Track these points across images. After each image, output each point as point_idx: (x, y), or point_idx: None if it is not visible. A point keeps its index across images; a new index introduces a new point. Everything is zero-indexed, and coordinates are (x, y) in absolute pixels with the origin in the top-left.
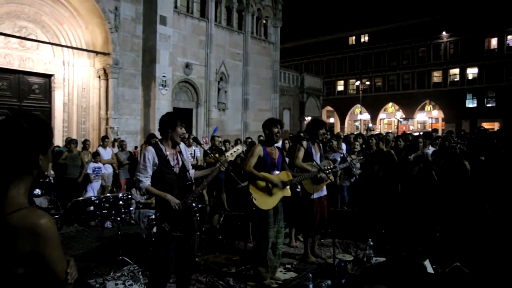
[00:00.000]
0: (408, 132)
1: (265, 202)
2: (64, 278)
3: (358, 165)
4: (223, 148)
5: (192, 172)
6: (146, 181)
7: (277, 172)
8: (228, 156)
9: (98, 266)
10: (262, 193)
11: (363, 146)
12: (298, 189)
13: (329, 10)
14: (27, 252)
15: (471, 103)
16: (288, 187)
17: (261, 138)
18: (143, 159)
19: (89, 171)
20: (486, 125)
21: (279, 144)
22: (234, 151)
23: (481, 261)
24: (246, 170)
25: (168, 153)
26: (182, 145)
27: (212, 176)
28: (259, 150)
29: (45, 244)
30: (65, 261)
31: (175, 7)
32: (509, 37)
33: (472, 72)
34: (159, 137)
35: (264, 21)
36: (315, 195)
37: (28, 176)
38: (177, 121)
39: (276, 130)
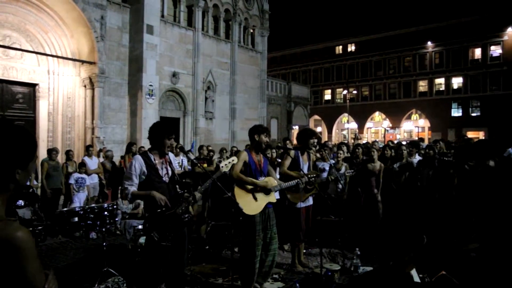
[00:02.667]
0: (396, 140)
1: (250, 208)
2: None
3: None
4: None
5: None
6: (131, 188)
7: (262, 178)
8: (222, 167)
9: (83, 278)
10: (247, 199)
11: (349, 154)
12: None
13: (316, 20)
14: (2, 265)
15: (456, 112)
16: (273, 193)
17: (249, 147)
18: (130, 167)
19: (71, 181)
20: (471, 134)
21: None
22: (229, 162)
23: (468, 270)
24: (233, 175)
25: (156, 162)
26: (171, 155)
27: (205, 187)
28: (244, 155)
29: (22, 257)
30: (43, 274)
31: (162, 16)
32: (492, 47)
33: (457, 81)
34: (141, 145)
35: (252, 30)
36: (302, 204)
37: (3, 191)
38: (165, 133)
39: (265, 139)
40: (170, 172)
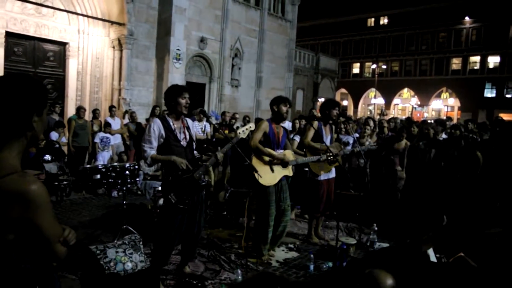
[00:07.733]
0: (422, 119)
1: (266, 179)
2: (57, 243)
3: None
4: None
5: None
6: (151, 151)
7: (280, 151)
8: (240, 133)
9: (103, 234)
10: (264, 169)
11: (376, 130)
12: (306, 169)
13: None
14: (16, 217)
15: (489, 93)
16: (291, 167)
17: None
18: (148, 130)
19: (97, 140)
20: (504, 117)
21: (288, 124)
22: (246, 129)
23: (486, 253)
24: (251, 144)
25: (175, 126)
26: (190, 121)
27: (227, 148)
28: (265, 125)
29: (36, 210)
30: (58, 227)
31: None
32: None
33: (493, 60)
34: (164, 109)
35: None
36: (323, 177)
37: (21, 138)
38: (178, 92)
39: (285, 108)
40: (188, 137)
